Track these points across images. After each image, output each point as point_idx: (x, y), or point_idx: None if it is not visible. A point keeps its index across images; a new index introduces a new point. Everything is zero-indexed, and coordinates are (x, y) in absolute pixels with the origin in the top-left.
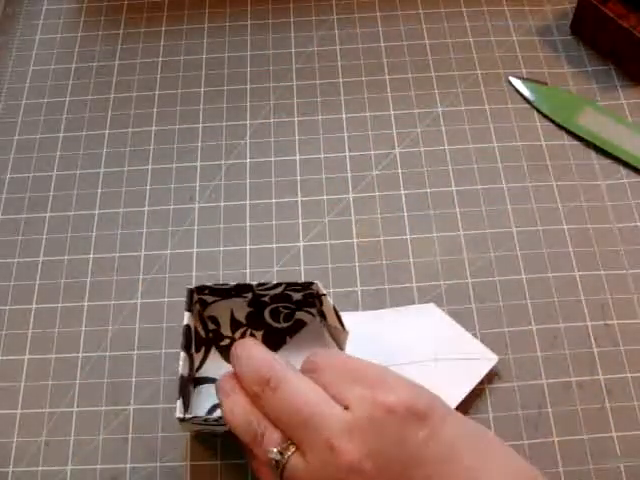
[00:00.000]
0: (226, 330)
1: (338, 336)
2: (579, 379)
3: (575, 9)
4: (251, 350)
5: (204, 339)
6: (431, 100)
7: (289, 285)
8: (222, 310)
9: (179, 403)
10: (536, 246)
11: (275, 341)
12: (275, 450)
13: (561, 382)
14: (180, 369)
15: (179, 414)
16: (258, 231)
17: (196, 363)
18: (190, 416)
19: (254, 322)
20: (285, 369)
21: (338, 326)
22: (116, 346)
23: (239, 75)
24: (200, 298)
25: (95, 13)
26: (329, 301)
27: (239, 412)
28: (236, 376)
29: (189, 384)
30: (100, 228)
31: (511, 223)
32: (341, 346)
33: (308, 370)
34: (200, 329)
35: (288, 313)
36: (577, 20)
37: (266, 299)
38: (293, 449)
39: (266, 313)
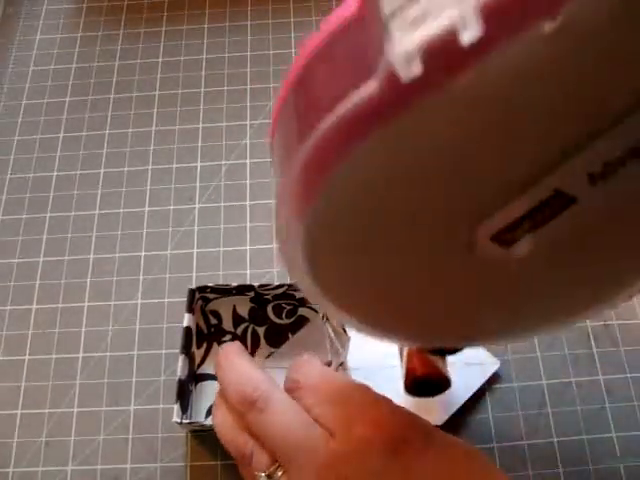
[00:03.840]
0: (228, 325)
1: (340, 338)
2: (579, 379)
3: None
4: (234, 362)
5: (206, 335)
6: None
7: (291, 286)
8: (224, 305)
9: (176, 407)
10: None
11: (277, 337)
12: (263, 475)
13: (561, 382)
14: (179, 372)
15: (176, 419)
16: (258, 232)
17: (197, 360)
18: (187, 421)
19: (257, 318)
20: (270, 389)
21: (340, 330)
22: (116, 346)
23: (239, 75)
24: (202, 296)
25: (95, 13)
26: None
27: (227, 429)
28: (221, 388)
29: (189, 384)
30: (100, 228)
31: None
32: (342, 349)
33: (291, 389)
34: (202, 324)
35: (291, 309)
36: None
37: (268, 297)
38: (280, 473)
39: (269, 309)
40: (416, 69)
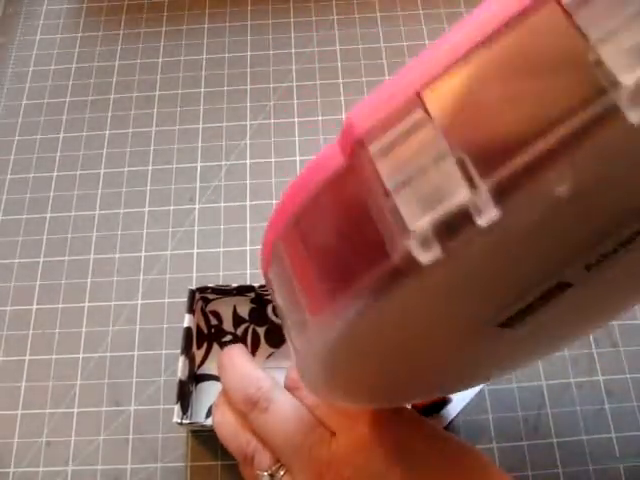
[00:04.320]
0: (228, 326)
1: None
2: (578, 380)
3: None
4: (236, 363)
5: (206, 335)
6: None
7: None
8: (225, 305)
9: (177, 408)
10: None
11: (277, 337)
12: (266, 474)
13: (560, 383)
14: (179, 373)
15: (177, 419)
16: (258, 232)
17: (198, 360)
18: (187, 422)
19: (257, 318)
20: (272, 389)
21: None
22: (117, 347)
23: (239, 75)
24: (202, 296)
25: (95, 13)
26: None
27: (228, 429)
28: (223, 389)
29: (189, 384)
30: (100, 229)
31: None
32: None
33: (291, 388)
34: (202, 324)
35: None
36: None
37: (269, 297)
38: (282, 472)
39: (269, 309)
40: (435, 252)
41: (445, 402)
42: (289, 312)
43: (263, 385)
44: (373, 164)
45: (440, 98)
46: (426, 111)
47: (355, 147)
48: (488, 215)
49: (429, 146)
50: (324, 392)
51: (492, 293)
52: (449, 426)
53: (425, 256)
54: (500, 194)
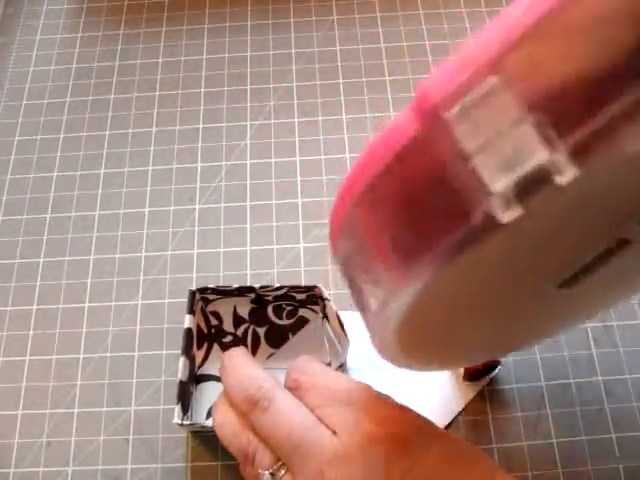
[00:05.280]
0: (228, 326)
1: (340, 339)
2: (578, 380)
3: None
4: (238, 364)
5: (206, 335)
6: None
7: (292, 288)
8: (225, 306)
9: (177, 409)
10: None
11: (278, 338)
12: (267, 473)
13: (560, 384)
14: (179, 374)
15: (177, 420)
16: (258, 232)
17: (198, 360)
18: (188, 422)
19: (257, 318)
20: (273, 389)
21: (340, 332)
22: (117, 347)
23: (239, 76)
24: (203, 297)
25: (95, 13)
26: (332, 307)
27: (229, 428)
28: (225, 390)
29: (190, 385)
30: (100, 229)
31: None
32: (342, 351)
33: (292, 389)
34: (202, 325)
35: (291, 310)
36: None
37: (269, 298)
38: (284, 471)
39: (269, 310)
40: (516, 211)
41: (495, 365)
42: (363, 277)
43: (264, 385)
44: (451, 129)
45: (515, 63)
46: (501, 76)
47: (432, 114)
48: (567, 174)
49: (506, 110)
50: (397, 354)
51: (561, 249)
52: (449, 425)
53: (506, 215)
54: (578, 154)
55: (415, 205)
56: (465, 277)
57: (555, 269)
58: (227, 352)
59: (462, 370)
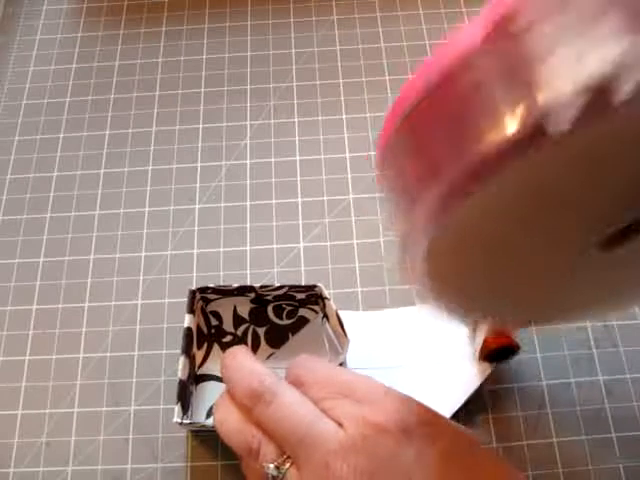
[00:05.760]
0: (229, 326)
1: (340, 339)
2: (578, 380)
3: None
4: (240, 361)
5: (206, 335)
6: None
7: (292, 287)
8: (225, 305)
9: (177, 408)
10: None
11: (278, 338)
12: (272, 466)
13: (561, 383)
14: (179, 373)
15: (177, 419)
16: (258, 232)
17: (198, 360)
18: (188, 422)
19: (257, 318)
20: (276, 383)
21: (340, 332)
22: (117, 347)
23: (239, 76)
24: (203, 296)
25: (95, 13)
26: (332, 306)
27: (232, 425)
28: (227, 387)
29: (190, 384)
30: (100, 229)
31: None
32: (342, 350)
33: (294, 384)
34: (202, 325)
35: (291, 310)
36: None
37: (269, 298)
38: (289, 464)
39: (269, 309)
40: (569, 123)
41: (514, 352)
42: (401, 201)
43: (267, 379)
44: (514, 37)
45: None
46: None
47: (499, 21)
48: (630, 83)
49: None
50: (427, 285)
51: (597, 200)
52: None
53: (564, 122)
54: None
55: (457, 119)
56: (498, 211)
57: (592, 223)
58: (229, 350)
59: (477, 351)
